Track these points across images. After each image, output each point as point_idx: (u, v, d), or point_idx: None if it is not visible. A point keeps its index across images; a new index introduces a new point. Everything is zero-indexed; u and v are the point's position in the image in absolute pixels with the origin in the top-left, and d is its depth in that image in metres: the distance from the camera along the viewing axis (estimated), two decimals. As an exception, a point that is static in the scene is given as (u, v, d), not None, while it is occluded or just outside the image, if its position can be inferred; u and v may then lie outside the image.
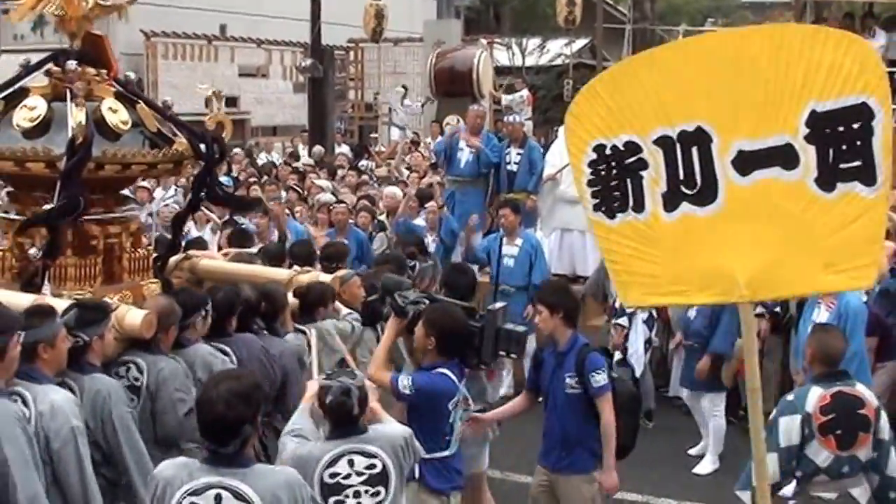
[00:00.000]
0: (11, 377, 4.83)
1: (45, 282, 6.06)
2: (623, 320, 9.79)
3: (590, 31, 32.32)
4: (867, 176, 4.17)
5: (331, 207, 11.56)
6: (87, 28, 6.38)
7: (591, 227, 4.81)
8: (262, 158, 19.87)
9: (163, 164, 6.49)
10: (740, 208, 4.32)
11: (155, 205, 12.64)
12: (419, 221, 11.20)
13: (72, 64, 6.19)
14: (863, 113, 4.13)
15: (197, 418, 4.14)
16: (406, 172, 16.58)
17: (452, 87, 19.70)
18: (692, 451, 9.38)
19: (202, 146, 6.52)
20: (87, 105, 6.10)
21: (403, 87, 24.21)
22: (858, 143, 4.15)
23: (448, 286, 7.49)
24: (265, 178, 15.16)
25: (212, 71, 25.49)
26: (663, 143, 4.41)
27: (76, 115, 5.97)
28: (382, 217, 12.05)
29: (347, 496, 4.82)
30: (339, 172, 16.58)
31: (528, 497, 6.73)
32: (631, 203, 4.54)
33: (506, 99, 20.93)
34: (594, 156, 4.58)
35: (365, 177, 16.46)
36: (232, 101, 24.75)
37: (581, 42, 33.39)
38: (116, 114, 6.23)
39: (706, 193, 4.38)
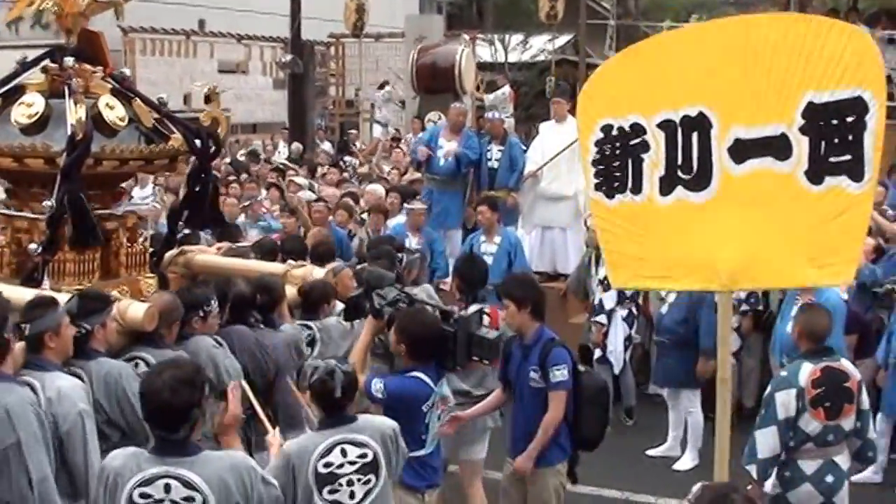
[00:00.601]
0: (18, 367, 5.03)
1: (45, 277, 6.20)
2: (602, 318, 9.92)
3: (573, 27, 32.37)
4: (856, 171, 4.29)
5: (310, 205, 11.62)
6: (82, 25, 6.51)
7: (591, 207, 4.99)
8: (241, 156, 19.87)
9: (159, 160, 6.67)
10: (732, 196, 4.45)
11: (132, 204, 12.65)
12: (400, 219, 11.24)
13: (69, 60, 6.31)
14: (858, 106, 4.25)
15: (144, 408, 4.25)
16: (387, 169, 16.64)
17: (434, 83, 19.69)
18: (651, 452, 9.44)
19: (197, 142, 6.70)
20: (86, 101, 6.24)
21: (386, 83, 24.24)
22: (850, 137, 4.27)
23: (461, 277, 7.80)
24: (244, 175, 15.21)
25: (190, 67, 25.47)
26: (666, 126, 4.56)
27: (75, 112, 6.10)
28: (364, 215, 12.07)
29: (341, 485, 4.94)
30: (320, 170, 16.60)
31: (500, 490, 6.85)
32: (630, 185, 4.70)
33: (488, 97, 21.00)
34: (601, 135, 4.75)
35: (346, 174, 16.50)
36: (209, 98, 24.60)
37: (564, 38, 33.45)
38: (113, 110, 6.38)
39: (701, 179, 4.52)
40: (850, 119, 4.28)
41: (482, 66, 25.61)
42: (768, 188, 4.40)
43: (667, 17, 54.34)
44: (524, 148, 12.82)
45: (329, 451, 4.94)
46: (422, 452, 6.01)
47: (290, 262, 7.45)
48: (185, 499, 4.14)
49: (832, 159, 4.31)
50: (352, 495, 4.96)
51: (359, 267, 7.88)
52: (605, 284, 9.80)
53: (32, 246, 6.25)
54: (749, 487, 6.25)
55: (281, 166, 16.81)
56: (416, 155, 12.84)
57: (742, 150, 4.42)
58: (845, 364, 6.39)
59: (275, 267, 7.37)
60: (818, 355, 6.27)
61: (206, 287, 6.34)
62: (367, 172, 16.97)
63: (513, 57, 31.69)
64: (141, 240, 6.88)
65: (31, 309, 5.20)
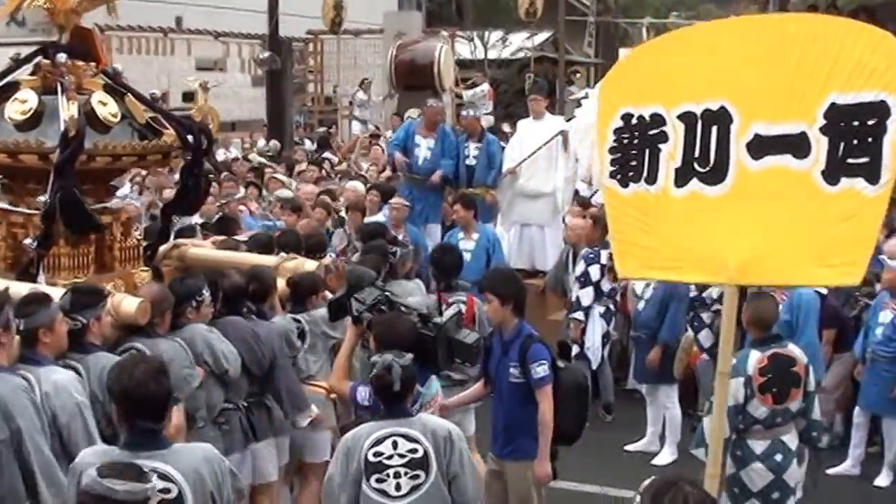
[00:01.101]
0: (13, 360, 5.13)
1: (40, 271, 6.32)
2: (580, 314, 10.00)
3: (552, 24, 32.46)
4: (872, 173, 4.33)
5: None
6: (75, 22, 6.63)
7: (604, 195, 5.06)
8: (220, 155, 19.83)
9: (152, 155, 6.79)
10: (746, 192, 4.50)
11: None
12: (380, 217, 11.29)
13: (62, 57, 6.43)
14: (880, 110, 4.29)
15: (123, 405, 4.29)
16: (365, 166, 16.68)
17: (413, 80, 19.76)
18: (630, 447, 9.54)
19: (190, 137, 6.80)
20: (78, 98, 6.36)
21: (366, 80, 24.27)
22: (870, 139, 4.30)
23: (435, 265, 8.02)
24: (224, 173, 15.21)
25: (168, 65, 25.43)
26: (687, 118, 4.61)
27: (68, 108, 6.23)
28: (342, 212, 12.10)
29: (388, 475, 5.09)
30: (298, 167, 16.61)
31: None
32: (645, 174, 4.75)
33: (466, 94, 21.05)
34: (620, 123, 4.81)
35: (324, 171, 16.52)
36: (189, 96, 24.65)
37: (543, 35, 33.55)
38: (106, 106, 6.51)
39: (717, 173, 4.57)
40: (871, 122, 4.32)
41: (461, 64, 25.68)
42: (784, 185, 4.45)
43: (646, 14, 54.62)
44: (502, 145, 12.88)
45: (380, 441, 5.11)
46: None
47: (283, 255, 7.60)
48: (162, 490, 4.17)
49: (850, 160, 4.35)
50: (398, 487, 5.09)
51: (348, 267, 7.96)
52: (583, 281, 9.89)
53: (28, 241, 6.37)
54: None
55: (258, 164, 16.82)
56: (393, 157, 12.92)
57: (761, 147, 4.47)
58: (792, 349, 6.60)
59: (267, 260, 7.49)
60: (766, 343, 6.53)
61: (198, 278, 6.47)
62: (346, 170, 16.98)
63: (492, 54, 31.74)
64: (134, 234, 7.03)
65: (24, 305, 5.29)
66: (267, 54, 22.48)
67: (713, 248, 4.61)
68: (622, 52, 56.44)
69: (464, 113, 13.95)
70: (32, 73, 6.62)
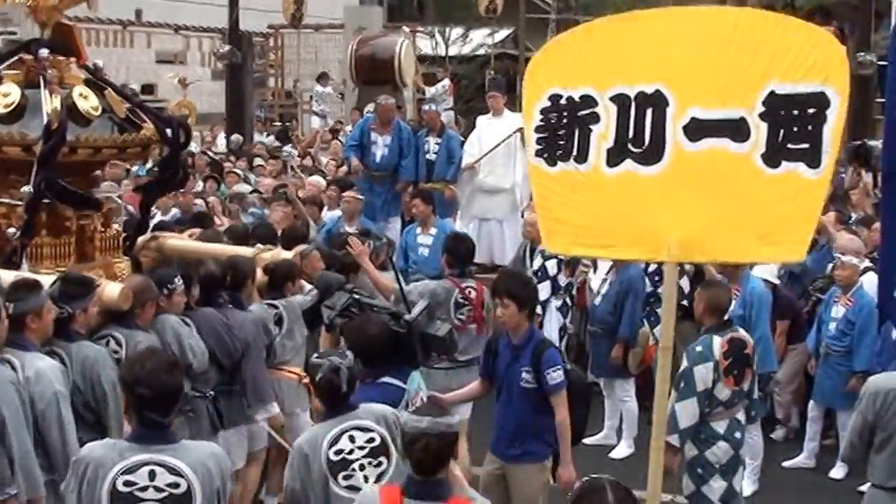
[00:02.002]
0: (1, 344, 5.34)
1: (23, 260, 6.52)
2: (537, 308, 10.02)
3: (513, 21, 32.55)
4: (813, 159, 4.46)
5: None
6: (56, 18, 6.85)
7: (530, 173, 5.10)
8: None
9: (132, 148, 7.03)
10: (684, 172, 4.58)
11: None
12: (338, 212, 11.31)
13: (43, 52, 6.64)
14: (819, 100, 4.43)
15: (134, 396, 4.31)
16: (325, 161, 16.66)
17: (374, 74, 19.70)
18: (587, 441, 9.59)
19: (168, 131, 7.02)
20: (60, 91, 6.58)
21: (325, 74, 24.23)
22: (810, 127, 4.45)
23: (450, 253, 8.19)
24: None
25: (127, 57, 25.37)
26: (619, 100, 4.68)
27: (51, 102, 6.45)
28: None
29: (354, 470, 5.11)
30: (257, 161, 16.56)
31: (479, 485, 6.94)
32: (574, 153, 4.80)
33: (428, 90, 21.10)
34: (548, 103, 4.86)
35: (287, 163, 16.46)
36: (148, 89, 24.56)
37: (504, 32, 33.63)
38: (87, 100, 6.72)
39: (652, 153, 4.63)
40: (811, 111, 4.44)
41: (422, 59, 25.68)
42: (723, 166, 4.53)
43: (608, 11, 54.92)
44: (461, 140, 12.92)
45: (337, 438, 5.11)
46: None
47: (259, 245, 7.77)
48: (170, 485, 4.23)
49: (790, 146, 4.46)
50: (365, 479, 5.10)
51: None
52: (540, 276, 9.95)
53: (11, 230, 6.54)
54: (665, 459, 6.52)
55: (213, 159, 16.75)
56: (349, 159, 12.96)
57: (698, 129, 4.55)
58: (741, 332, 6.98)
59: (243, 251, 7.64)
60: (723, 328, 6.84)
61: (171, 267, 6.68)
62: (306, 164, 16.95)
63: (453, 50, 31.81)
64: (114, 225, 7.22)
65: (14, 290, 5.49)
66: (227, 48, 22.36)
67: (651, 226, 4.66)
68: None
69: (425, 108, 13.98)
70: (14, 68, 6.81)
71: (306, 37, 27.76)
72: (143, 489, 4.23)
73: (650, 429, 9.76)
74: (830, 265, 9.08)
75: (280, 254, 7.68)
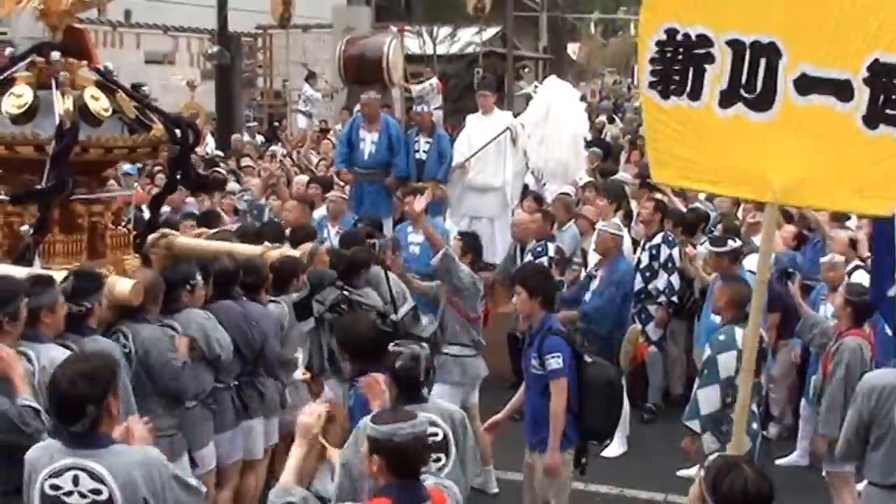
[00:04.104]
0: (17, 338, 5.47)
1: (36, 257, 6.65)
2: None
3: (500, 19, 32.56)
4: None
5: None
6: (68, 22, 7.01)
7: (643, 104, 5.30)
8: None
9: (142, 149, 7.21)
10: (791, 122, 4.83)
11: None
12: (323, 210, 11.26)
13: (55, 55, 6.81)
14: None
15: (50, 402, 4.34)
16: (315, 160, 16.61)
17: (362, 74, 19.63)
18: None
19: (177, 131, 7.21)
20: (72, 93, 6.71)
21: (312, 73, 24.17)
22: None
23: (474, 251, 8.64)
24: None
25: (117, 58, 25.12)
26: (735, 45, 4.88)
27: (64, 102, 6.61)
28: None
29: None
30: (245, 161, 16.52)
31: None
32: (688, 90, 5.00)
33: (416, 89, 21.03)
34: (664, 37, 5.03)
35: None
36: (136, 88, 24.38)
37: (492, 31, 33.63)
38: (98, 101, 6.88)
39: (763, 101, 4.87)
40: None
41: (410, 59, 25.61)
42: (827, 122, 4.76)
43: (595, 8, 54.99)
44: (451, 140, 12.88)
45: None
46: None
47: (267, 244, 7.85)
48: (92, 491, 4.18)
49: (888, 111, 4.70)
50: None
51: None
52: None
53: (24, 228, 6.69)
54: (684, 443, 6.92)
55: (208, 159, 16.70)
56: (340, 166, 12.96)
57: (807, 85, 4.77)
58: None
59: (252, 249, 7.74)
60: (744, 320, 6.73)
61: (191, 263, 6.82)
62: (296, 164, 16.89)
63: (441, 49, 31.73)
64: (125, 222, 7.38)
65: (31, 285, 5.62)
66: (216, 49, 22.31)
67: (758, 168, 4.91)
68: (570, 46, 56.47)
69: (415, 108, 13.92)
70: (27, 70, 6.95)
71: (295, 37, 27.74)
72: (68, 494, 4.20)
73: (642, 427, 9.82)
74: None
75: (287, 252, 7.74)
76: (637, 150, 17.91)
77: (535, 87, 16.75)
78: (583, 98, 35.87)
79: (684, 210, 11.19)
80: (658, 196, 11.15)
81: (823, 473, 7.65)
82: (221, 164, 15.93)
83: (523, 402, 6.93)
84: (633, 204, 12.07)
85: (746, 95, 4.90)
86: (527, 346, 6.80)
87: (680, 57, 5.01)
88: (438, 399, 5.63)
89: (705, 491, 3.72)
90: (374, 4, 30.99)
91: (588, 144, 15.33)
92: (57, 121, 6.54)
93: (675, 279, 10.09)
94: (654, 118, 5.17)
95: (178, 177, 7.58)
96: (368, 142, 12.59)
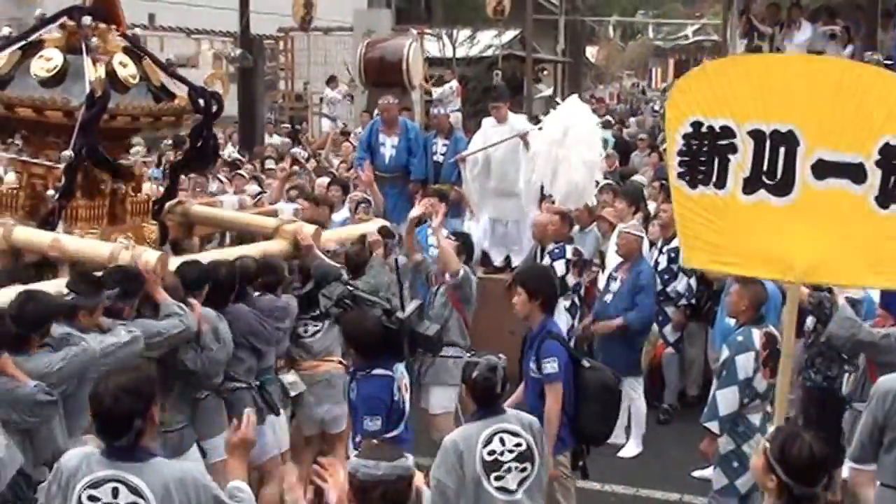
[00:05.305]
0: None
1: (59, 221, 6.76)
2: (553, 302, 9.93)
3: (520, 22, 32.50)
4: None
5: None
6: None
7: (672, 193, 5.62)
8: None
9: (166, 117, 7.25)
10: (810, 206, 5.14)
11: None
12: (343, 213, 11.22)
13: (87, 19, 6.86)
14: None
15: (91, 414, 4.26)
16: (336, 163, 16.60)
17: (382, 77, 19.69)
18: None
19: (201, 101, 7.27)
20: (103, 59, 6.81)
21: (334, 77, 24.17)
22: None
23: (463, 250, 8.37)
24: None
25: (140, 61, 25.22)
26: (756, 135, 5.21)
27: (95, 69, 6.67)
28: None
29: (505, 472, 5.28)
30: (268, 164, 16.51)
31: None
32: (714, 179, 5.32)
33: (435, 91, 21.01)
34: (690, 129, 5.35)
35: (296, 167, 16.40)
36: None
37: (511, 33, 33.56)
38: (126, 68, 6.98)
39: (783, 186, 5.19)
40: None
41: (430, 61, 25.65)
42: (843, 204, 5.08)
43: (613, 12, 54.85)
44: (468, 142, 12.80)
45: (490, 439, 5.26)
46: (396, 432, 6.35)
47: (282, 217, 7.97)
48: None
49: None
50: (513, 482, 5.29)
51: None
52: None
53: (50, 192, 6.75)
54: (703, 445, 6.92)
55: (233, 161, 16.70)
56: (360, 166, 12.90)
57: (823, 169, 5.09)
58: (772, 328, 7.10)
59: (267, 221, 7.84)
60: (760, 322, 6.98)
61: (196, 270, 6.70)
62: (318, 166, 16.88)
63: (460, 52, 31.69)
64: (145, 190, 7.49)
65: (78, 282, 5.74)
66: (239, 51, 22.31)
67: (780, 250, 5.22)
68: (589, 49, 56.26)
69: (433, 110, 13.87)
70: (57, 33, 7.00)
71: (315, 40, 27.69)
72: None
73: (658, 428, 9.76)
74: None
75: (302, 227, 7.76)
76: (655, 153, 17.80)
77: (553, 98, 16.62)
78: (601, 100, 35.93)
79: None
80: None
81: (844, 474, 7.57)
82: (245, 167, 15.93)
83: (520, 402, 6.83)
84: (651, 206, 11.98)
85: (768, 182, 5.20)
86: (526, 348, 6.77)
87: (705, 148, 5.32)
88: (511, 411, 5.62)
89: (773, 460, 4.00)
90: (394, 7, 30.97)
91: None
92: (87, 87, 6.56)
93: (694, 282, 10.03)
94: (684, 206, 5.49)
95: (200, 146, 7.61)
96: (388, 146, 12.62)
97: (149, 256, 6.21)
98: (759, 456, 4.10)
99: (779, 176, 5.17)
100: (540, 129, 11.94)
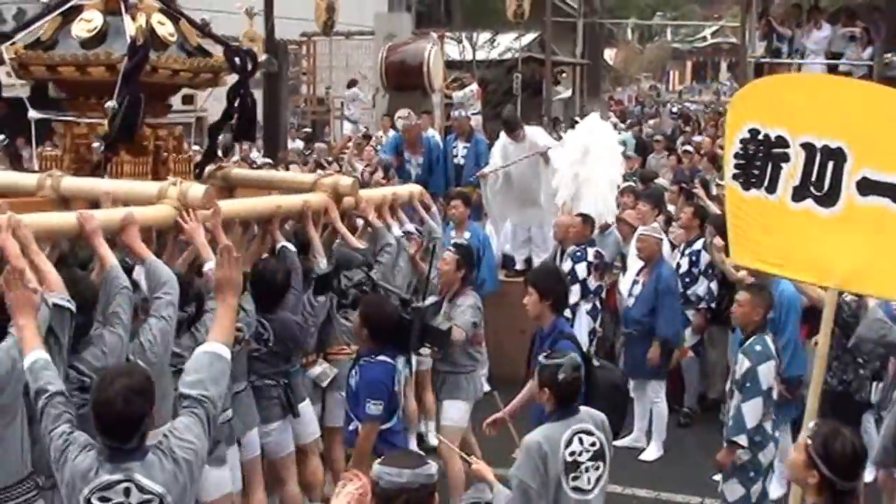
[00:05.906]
0: None
1: (106, 173, 6.83)
2: (566, 311, 9.86)
3: (539, 25, 32.43)
4: None
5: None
6: None
7: (726, 193, 5.97)
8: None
9: (203, 74, 7.43)
10: (852, 218, 5.39)
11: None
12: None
13: None
14: None
15: (95, 418, 4.12)
16: (360, 167, 16.56)
17: (403, 80, 19.69)
18: (617, 443, 9.46)
19: (236, 60, 7.46)
20: (142, 14, 6.94)
21: (354, 81, 24.17)
22: None
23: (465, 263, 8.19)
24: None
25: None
26: (808, 148, 5.49)
27: (137, 20, 6.79)
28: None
29: (581, 472, 5.31)
30: (292, 168, 16.49)
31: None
32: (765, 184, 5.61)
33: (456, 95, 20.97)
34: (747, 135, 5.67)
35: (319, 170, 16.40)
36: (188, 99, 24.43)
37: (531, 36, 33.52)
38: (164, 26, 7.14)
39: (829, 198, 5.46)
40: None
41: (450, 64, 25.63)
42: (883, 220, 5.30)
43: (631, 14, 54.71)
44: (489, 144, 12.77)
45: (571, 440, 5.28)
46: (390, 424, 6.41)
47: (320, 171, 8.21)
48: (143, 503, 4.06)
49: None
50: (588, 481, 5.32)
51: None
52: (570, 279, 9.82)
53: (95, 144, 6.84)
54: (720, 455, 6.90)
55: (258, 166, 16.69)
56: (387, 160, 13.00)
57: (867, 187, 5.33)
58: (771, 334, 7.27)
59: (305, 177, 7.97)
60: (766, 328, 7.07)
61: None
62: (340, 170, 16.86)
63: (480, 55, 31.64)
64: (186, 149, 7.59)
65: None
66: (265, 57, 22.31)
67: (822, 256, 5.48)
68: (607, 52, 56.28)
69: (454, 113, 13.86)
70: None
71: (337, 44, 27.71)
72: None
73: (678, 431, 9.70)
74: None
75: (340, 179, 7.75)
76: (673, 155, 17.71)
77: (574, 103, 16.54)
78: (619, 102, 35.76)
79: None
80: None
81: (870, 478, 7.49)
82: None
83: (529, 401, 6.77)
84: (671, 209, 11.90)
85: (815, 192, 5.48)
86: (536, 347, 6.73)
87: (760, 154, 5.62)
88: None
89: (815, 456, 4.08)
90: (414, 11, 30.93)
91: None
92: (128, 41, 6.67)
93: (715, 285, 9.95)
94: (736, 206, 5.79)
95: (237, 105, 7.72)
96: (414, 164, 12.99)
97: (195, 191, 6.11)
98: (801, 452, 4.16)
99: (826, 188, 5.44)
100: (559, 140, 11.88)
